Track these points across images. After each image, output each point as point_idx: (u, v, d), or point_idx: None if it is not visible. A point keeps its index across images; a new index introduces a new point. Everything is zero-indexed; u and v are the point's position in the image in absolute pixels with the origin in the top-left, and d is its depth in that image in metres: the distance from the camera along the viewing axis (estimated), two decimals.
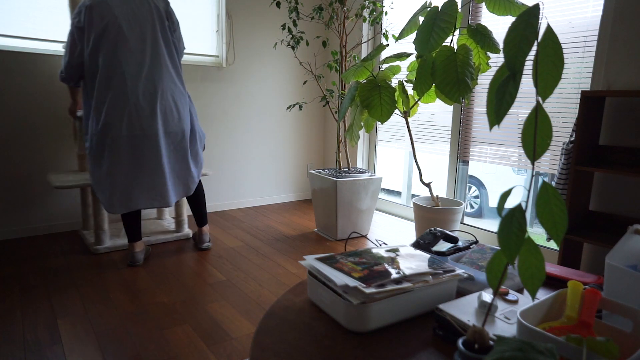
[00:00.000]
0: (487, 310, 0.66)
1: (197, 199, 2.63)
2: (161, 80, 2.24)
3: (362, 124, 2.70)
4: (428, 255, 0.94)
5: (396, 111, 2.84)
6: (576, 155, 2.03)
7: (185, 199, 2.83)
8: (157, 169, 2.26)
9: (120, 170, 2.20)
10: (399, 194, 4.25)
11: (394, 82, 2.71)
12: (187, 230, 2.92)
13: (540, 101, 0.54)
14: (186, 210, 2.93)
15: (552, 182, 2.37)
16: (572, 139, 2.12)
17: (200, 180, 2.61)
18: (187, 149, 2.40)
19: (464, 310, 0.77)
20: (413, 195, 3.93)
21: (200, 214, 2.65)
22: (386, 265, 0.86)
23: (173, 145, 2.34)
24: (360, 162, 3.88)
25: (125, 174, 2.21)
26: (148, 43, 2.22)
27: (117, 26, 2.14)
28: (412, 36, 3.43)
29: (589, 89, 2.24)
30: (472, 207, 4.15)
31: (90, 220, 2.83)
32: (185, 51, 3.26)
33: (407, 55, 2.39)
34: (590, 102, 2.03)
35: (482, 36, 2.12)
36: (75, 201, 2.98)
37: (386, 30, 3.17)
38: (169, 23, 2.32)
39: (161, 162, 2.26)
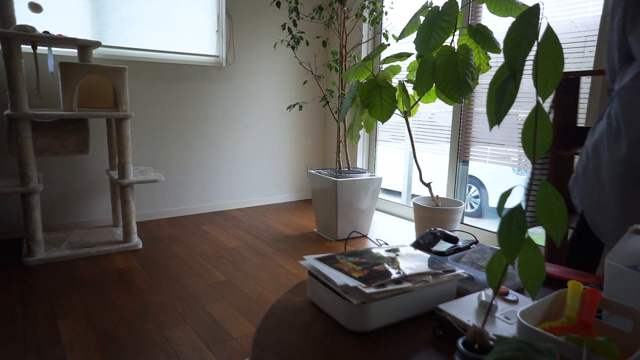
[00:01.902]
0: (487, 310, 0.66)
1: None
2: None
3: (363, 123, 2.70)
4: (428, 255, 0.94)
5: (396, 111, 2.84)
6: (556, 139, 2.01)
7: (133, 206, 2.61)
8: None
9: None
10: (399, 194, 4.25)
11: (395, 82, 2.71)
12: (136, 241, 2.70)
13: (540, 101, 0.54)
14: (135, 218, 2.68)
15: (528, 172, 2.36)
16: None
17: None
18: None
19: (464, 310, 0.77)
20: (413, 195, 3.93)
21: None
22: (386, 265, 0.86)
23: None
24: (360, 162, 3.87)
25: None
26: None
27: None
28: (413, 36, 3.42)
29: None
30: (472, 207, 4.14)
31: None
32: (185, 51, 3.26)
33: (408, 55, 2.39)
34: (565, 84, 2.01)
35: (482, 36, 2.12)
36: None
37: (386, 30, 3.17)
38: None
39: None
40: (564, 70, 2.40)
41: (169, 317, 1.86)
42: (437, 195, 2.74)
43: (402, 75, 3.36)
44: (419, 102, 2.61)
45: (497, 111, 0.56)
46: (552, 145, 2.05)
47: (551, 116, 2.07)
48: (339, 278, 0.80)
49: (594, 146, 1.21)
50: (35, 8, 2.40)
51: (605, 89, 1.56)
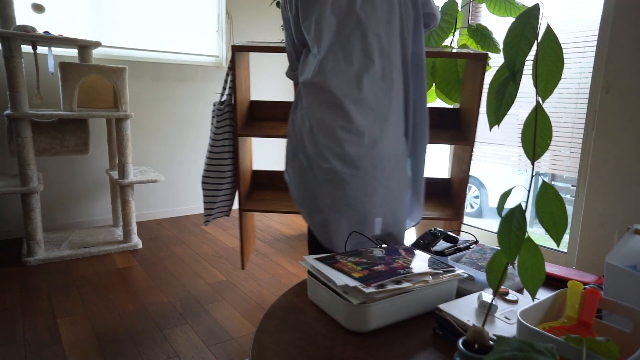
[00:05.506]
0: (487, 310, 0.66)
1: None
2: None
3: None
4: (428, 255, 0.94)
5: None
6: (236, 119, 1.88)
7: (133, 206, 2.63)
8: None
9: None
10: None
11: None
12: (136, 241, 2.68)
13: (540, 101, 0.54)
14: (135, 218, 2.70)
15: (206, 149, 2.00)
16: (223, 99, 1.91)
17: None
18: None
19: (464, 310, 0.77)
20: None
21: None
22: (386, 265, 0.86)
23: None
24: None
25: None
26: None
27: None
28: None
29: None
30: (472, 207, 4.15)
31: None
32: (185, 51, 3.26)
33: None
34: (240, 58, 1.91)
35: (482, 36, 2.13)
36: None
37: None
38: None
39: None
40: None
41: (169, 317, 1.86)
42: None
43: None
44: None
45: (497, 111, 0.56)
46: (232, 124, 1.89)
47: (226, 92, 1.90)
48: (339, 278, 0.80)
49: (296, 138, 1.33)
50: (38, 9, 2.40)
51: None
